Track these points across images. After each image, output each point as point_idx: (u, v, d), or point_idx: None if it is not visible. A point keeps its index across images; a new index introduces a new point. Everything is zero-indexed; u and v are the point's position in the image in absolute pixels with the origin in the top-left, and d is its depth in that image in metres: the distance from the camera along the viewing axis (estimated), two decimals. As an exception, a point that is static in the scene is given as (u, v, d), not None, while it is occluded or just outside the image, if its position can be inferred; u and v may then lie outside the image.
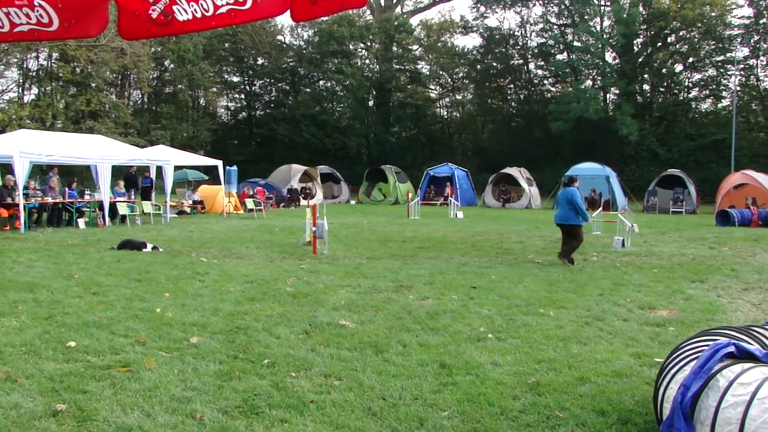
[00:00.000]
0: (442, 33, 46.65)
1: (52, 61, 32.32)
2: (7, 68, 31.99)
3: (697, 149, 33.92)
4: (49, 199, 13.93)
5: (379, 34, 41.16)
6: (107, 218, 14.61)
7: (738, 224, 16.45)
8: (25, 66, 33.18)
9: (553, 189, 25.93)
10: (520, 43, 42.48)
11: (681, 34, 36.68)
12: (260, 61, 44.46)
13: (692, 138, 34.74)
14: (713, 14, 34.98)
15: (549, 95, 41.14)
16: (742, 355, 2.90)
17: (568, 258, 8.84)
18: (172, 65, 39.80)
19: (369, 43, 42.58)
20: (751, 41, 35.37)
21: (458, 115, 48.21)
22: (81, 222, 14.07)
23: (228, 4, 2.30)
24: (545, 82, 43.27)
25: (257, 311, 5.62)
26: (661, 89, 38.14)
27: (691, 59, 36.84)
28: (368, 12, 44.06)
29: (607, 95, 38.35)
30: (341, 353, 4.35)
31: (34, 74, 33.73)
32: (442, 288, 6.90)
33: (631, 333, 5.03)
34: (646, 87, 38.36)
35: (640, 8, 35.46)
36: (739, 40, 35.42)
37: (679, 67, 37.86)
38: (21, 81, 33.94)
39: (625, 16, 34.27)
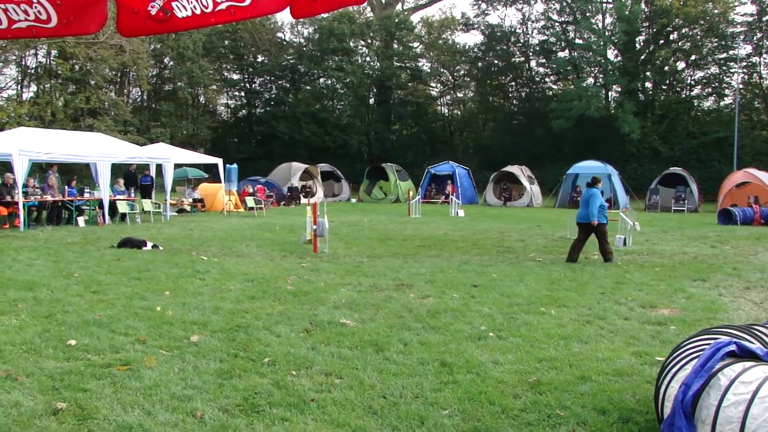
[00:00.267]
0: (443, 30, 46.55)
1: (51, 58, 32.26)
2: (6, 66, 32.02)
3: (700, 147, 33.83)
4: (49, 198, 13.94)
5: (379, 31, 41.09)
6: (107, 216, 14.62)
7: (740, 223, 16.43)
8: (23, 63, 33.16)
9: (554, 187, 25.92)
10: (522, 41, 42.39)
11: (683, 31, 36.55)
12: (260, 58, 44.41)
13: (694, 136, 34.66)
14: (716, 11, 34.85)
15: (550, 93, 41.07)
16: (744, 354, 2.90)
17: (608, 258, 9.04)
18: (171, 62, 39.70)
19: (370, 41, 42.52)
20: (754, 38, 35.22)
21: (459, 112, 48.16)
22: (81, 220, 14.08)
23: (227, 0, 2.29)
24: (547, 79, 43.19)
25: (258, 310, 5.62)
26: (663, 87, 38.05)
27: (693, 57, 36.73)
28: (369, 9, 44.00)
29: (609, 93, 38.26)
30: (342, 352, 4.35)
31: (32, 72, 33.68)
32: (443, 286, 6.90)
33: (632, 332, 5.03)
34: (648, 85, 38.28)
35: (643, 5, 35.36)
36: (741, 37, 35.29)
37: (681, 65, 37.76)
38: (20, 78, 33.94)
39: (627, 13, 34.16)
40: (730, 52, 35.18)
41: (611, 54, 37.66)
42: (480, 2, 42.08)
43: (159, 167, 17.41)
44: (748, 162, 27.55)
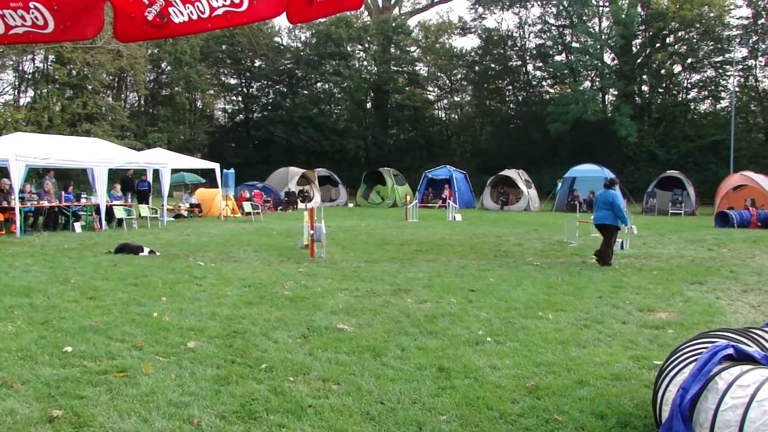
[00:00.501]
0: (440, 34, 46.73)
1: (48, 63, 32.33)
2: (3, 71, 32.12)
3: (696, 150, 33.97)
4: (45, 203, 13.93)
5: (376, 35, 41.22)
6: (104, 222, 14.61)
7: (737, 225, 16.47)
8: (21, 68, 33.24)
9: (551, 191, 25.97)
10: (519, 44, 42.59)
11: (680, 34, 36.77)
12: (257, 63, 44.56)
13: (691, 139, 34.80)
14: (712, 15, 35.08)
15: (547, 96, 41.20)
16: (741, 358, 2.90)
17: (606, 262, 9.04)
18: (168, 67, 39.80)
19: (367, 45, 42.64)
20: (750, 42, 35.46)
21: (456, 116, 48.28)
22: (77, 226, 14.07)
23: (224, 5, 2.30)
24: (544, 83, 43.36)
25: (255, 315, 5.61)
26: (660, 90, 38.23)
27: (689, 60, 36.92)
28: (366, 13, 44.13)
29: (606, 96, 38.41)
30: (339, 357, 4.35)
31: (30, 77, 33.76)
32: (440, 291, 6.90)
33: (630, 335, 5.03)
34: (644, 88, 38.44)
35: (639, 9, 35.56)
36: (737, 40, 35.52)
37: (677, 68, 37.95)
38: (17, 84, 33.99)
39: (623, 16, 34.35)
40: (726, 56, 35.37)
41: (608, 57, 37.84)
42: (477, 6, 42.29)
43: (156, 172, 17.41)
44: (744, 165, 27.67)
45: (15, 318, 5.43)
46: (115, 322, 5.32)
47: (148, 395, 3.58)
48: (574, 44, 38.70)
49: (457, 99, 47.09)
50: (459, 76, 45.69)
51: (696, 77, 38.01)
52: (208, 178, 27.34)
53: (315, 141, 39.16)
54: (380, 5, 44.40)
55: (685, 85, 38.12)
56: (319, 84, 43.57)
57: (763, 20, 34.65)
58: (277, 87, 44.92)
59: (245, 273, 8.05)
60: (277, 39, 45.32)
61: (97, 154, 14.89)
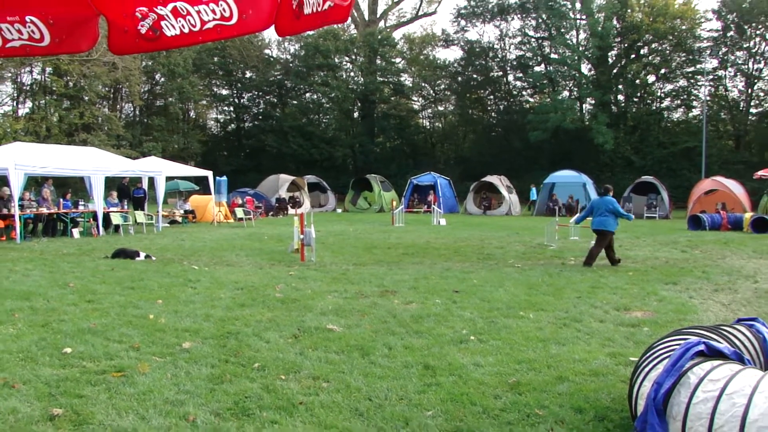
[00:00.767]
0: (424, 46, 47.22)
1: (46, 75, 32.42)
2: (2, 82, 32.08)
3: (670, 157, 34.81)
4: (44, 210, 13.93)
5: (363, 47, 41.60)
6: (101, 228, 14.63)
7: (709, 228, 16.90)
8: (19, 80, 33.25)
9: (528, 197, 26.46)
10: (500, 56, 43.24)
11: (653, 46, 37.74)
12: (248, 74, 44.76)
13: (665, 146, 35.65)
14: (684, 27, 36.14)
15: (527, 106, 41.85)
16: (712, 353, 2.99)
17: (588, 263, 9.29)
18: (162, 79, 39.97)
19: (354, 57, 43.00)
20: (720, 53, 36.60)
21: (440, 125, 48.71)
22: (75, 232, 14.08)
23: (214, 19, 2.33)
24: (524, 93, 44.05)
25: (247, 317, 5.68)
26: (635, 99, 39.13)
27: (663, 70, 37.92)
28: (352, 26, 44.51)
29: (584, 105, 39.17)
30: (329, 356, 4.42)
31: (28, 88, 33.73)
32: (425, 292, 7.01)
33: (607, 333, 5.15)
34: (620, 97, 39.31)
35: (615, 22, 36.46)
36: (708, 52, 36.60)
37: (651, 78, 38.89)
38: (15, 95, 34.05)
39: (600, 29, 35.19)
40: (698, 66, 36.43)
41: (585, 68, 38.66)
42: (459, 19, 42.94)
43: (151, 180, 17.43)
44: (715, 170, 28.42)
45: (16, 321, 5.44)
46: (113, 324, 5.35)
47: (145, 394, 3.63)
48: (552, 55, 39.43)
49: (440, 108, 47.56)
50: (442, 86, 46.21)
51: (669, 87, 39.04)
52: (201, 185, 27.36)
53: (304, 149, 39.39)
54: (366, 18, 44.80)
55: (658, 94, 39.08)
56: (307, 94, 43.86)
57: (732, 33, 35.84)
58: (268, 97, 45.14)
59: (238, 276, 8.09)
60: (267, 51, 45.60)
61: (94, 163, 14.92)
